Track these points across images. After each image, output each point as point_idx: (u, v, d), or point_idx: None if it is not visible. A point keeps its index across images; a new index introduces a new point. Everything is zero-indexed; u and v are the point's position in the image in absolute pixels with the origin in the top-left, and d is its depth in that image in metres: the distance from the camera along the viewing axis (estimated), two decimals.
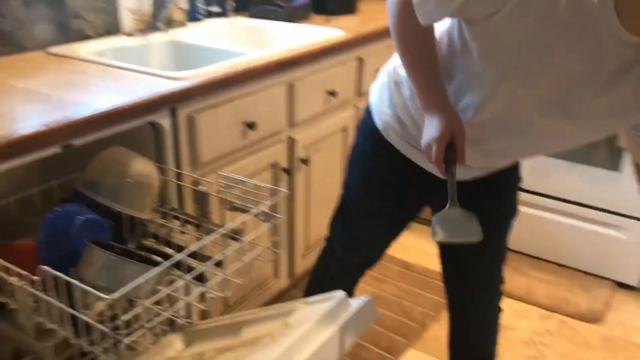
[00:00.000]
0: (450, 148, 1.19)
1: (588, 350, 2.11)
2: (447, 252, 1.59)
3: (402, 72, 1.33)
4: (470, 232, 1.23)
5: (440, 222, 1.23)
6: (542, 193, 2.51)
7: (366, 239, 1.59)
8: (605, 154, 2.32)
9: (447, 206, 1.22)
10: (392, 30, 1.26)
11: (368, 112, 1.48)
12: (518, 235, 2.60)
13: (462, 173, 1.31)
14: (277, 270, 2.15)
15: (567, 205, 2.46)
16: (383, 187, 1.48)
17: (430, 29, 1.21)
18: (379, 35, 2.34)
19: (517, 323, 2.23)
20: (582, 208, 2.43)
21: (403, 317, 2.23)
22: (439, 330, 2.17)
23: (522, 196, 2.52)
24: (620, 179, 2.31)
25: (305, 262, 2.30)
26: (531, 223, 2.55)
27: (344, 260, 1.64)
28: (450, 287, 1.62)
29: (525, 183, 2.50)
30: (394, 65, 1.39)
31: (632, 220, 2.34)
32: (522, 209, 2.54)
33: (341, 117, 2.26)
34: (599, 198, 2.39)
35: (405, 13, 1.19)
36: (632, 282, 2.42)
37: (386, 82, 1.42)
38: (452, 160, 1.19)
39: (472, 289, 1.58)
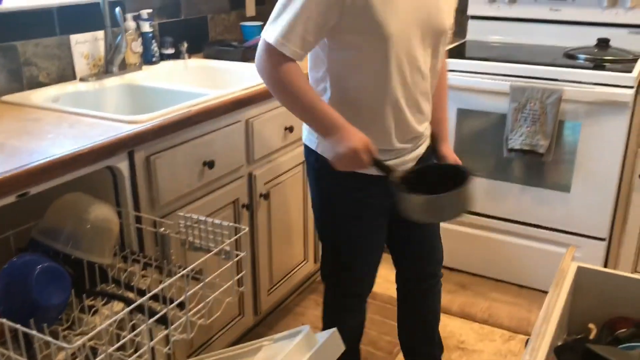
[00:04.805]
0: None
1: None
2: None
3: None
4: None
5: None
6: (498, 216, 2.58)
7: (365, 264, 1.72)
8: (555, 176, 2.41)
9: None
10: (273, 85, 1.44)
11: (310, 157, 1.62)
12: (478, 259, 2.66)
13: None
14: (242, 308, 2.14)
15: (522, 227, 2.53)
16: (360, 210, 1.61)
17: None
18: None
19: (482, 346, 2.27)
20: (537, 229, 2.51)
21: (370, 347, 2.24)
22: None
23: (480, 220, 2.59)
24: (570, 199, 2.40)
25: (271, 298, 2.30)
26: (490, 246, 2.61)
27: (354, 293, 1.78)
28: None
29: (482, 207, 2.58)
30: None
31: (584, 238, 2.43)
32: (480, 232, 2.61)
33: (299, 151, 2.29)
34: (552, 218, 2.47)
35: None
36: None
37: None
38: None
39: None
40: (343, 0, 1.36)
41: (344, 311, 1.83)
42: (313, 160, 1.63)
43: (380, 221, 1.68)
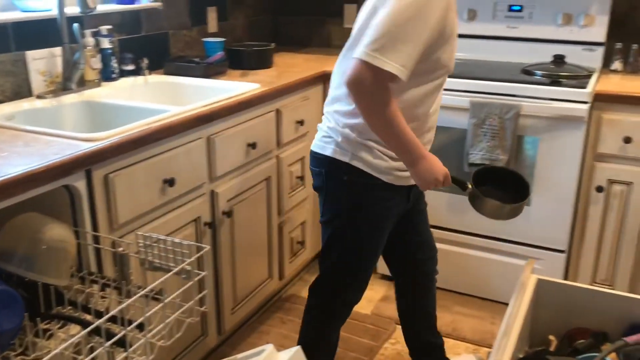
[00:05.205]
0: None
1: None
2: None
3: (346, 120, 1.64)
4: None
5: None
6: (460, 230, 2.60)
7: (371, 265, 1.83)
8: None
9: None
10: (378, 112, 1.49)
11: (337, 170, 1.66)
12: (441, 273, 2.67)
13: None
14: (205, 328, 2.11)
15: (484, 240, 2.57)
16: (386, 219, 1.74)
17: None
18: (295, 87, 2.41)
19: None
20: (498, 242, 2.54)
21: None
22: None
23: (442, 234, 2.62)
24: (530, 212, 2.44)
25: (235, 317, 2.27)
26: (452, 260, 2.64)
27: (351, 301, 1.87)
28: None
29: (444, 221, 2.60)
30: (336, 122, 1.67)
31: (544, 251, 2.47)
32: (443, 246, 2.63)
33: (263, 168, 2.28)
34: (512, 231, 2.51)
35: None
36: None
37: (335, 136, 1.66)
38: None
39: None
40: (438, 35, 1.48)
41: (337, 318, 1.90)
42: (342, 173, 1.67)
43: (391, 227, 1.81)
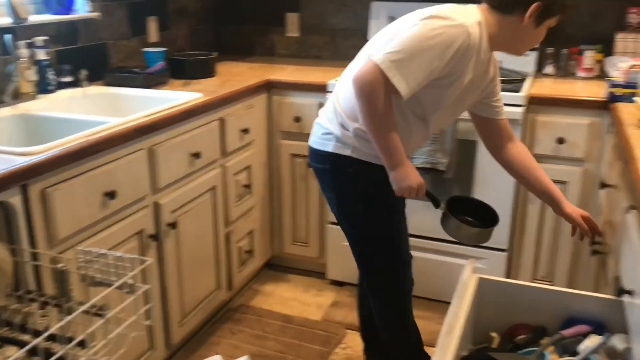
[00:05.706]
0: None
1: None
2: None
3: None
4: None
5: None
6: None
7: (404, 248, 1.91)
8: (457, 192, 2.52)
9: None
10: (374, 113, 1.56)
11: (341, 163, 1.73)
12: None
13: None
14: (153, 341, 2.07)
15: (428, 242, 2.62)
16: (395, 200, 1.77)
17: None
18: (238, 96, 2.41)
19: None
20: (442, 243, 2.60)
21: None
22: None
23: None
24: None
25: (183, 330, 2.24)
26: None
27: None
28: None
29: None
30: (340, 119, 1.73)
31: (487, 250, 2.54)
32: None
33: (208, 178, 2.27)
34: None
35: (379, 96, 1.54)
36: None
37: (337, 134, 1.73)
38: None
39: None
40: (444, 75, 1.55)
41: (402, 303, 1.95)
42: (346, 165, 1.73)
43: None
